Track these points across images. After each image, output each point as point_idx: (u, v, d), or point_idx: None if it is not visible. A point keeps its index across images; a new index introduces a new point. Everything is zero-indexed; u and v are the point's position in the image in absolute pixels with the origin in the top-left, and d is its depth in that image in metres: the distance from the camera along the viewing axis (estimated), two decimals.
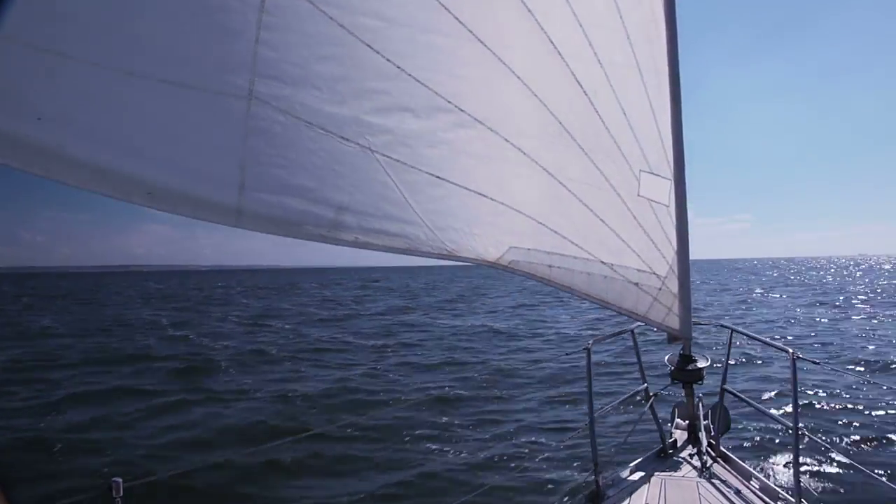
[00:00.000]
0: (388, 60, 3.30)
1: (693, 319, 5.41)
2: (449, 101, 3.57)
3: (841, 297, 45.28)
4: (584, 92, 4.31)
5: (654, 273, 5.05)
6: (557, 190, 4.31)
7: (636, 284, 4.97)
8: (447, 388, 14.81)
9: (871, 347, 21.03)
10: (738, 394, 5.80)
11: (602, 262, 4.72)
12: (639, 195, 4.84)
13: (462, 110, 3.63)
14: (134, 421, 12.27)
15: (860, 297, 45.74)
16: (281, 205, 3.05)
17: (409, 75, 3.39)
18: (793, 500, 4.38)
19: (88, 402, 13.98)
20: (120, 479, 2.46)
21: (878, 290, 52.13)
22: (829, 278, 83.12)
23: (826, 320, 30.48)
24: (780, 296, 50.06)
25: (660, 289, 5.11)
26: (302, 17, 3.01)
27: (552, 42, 4.02)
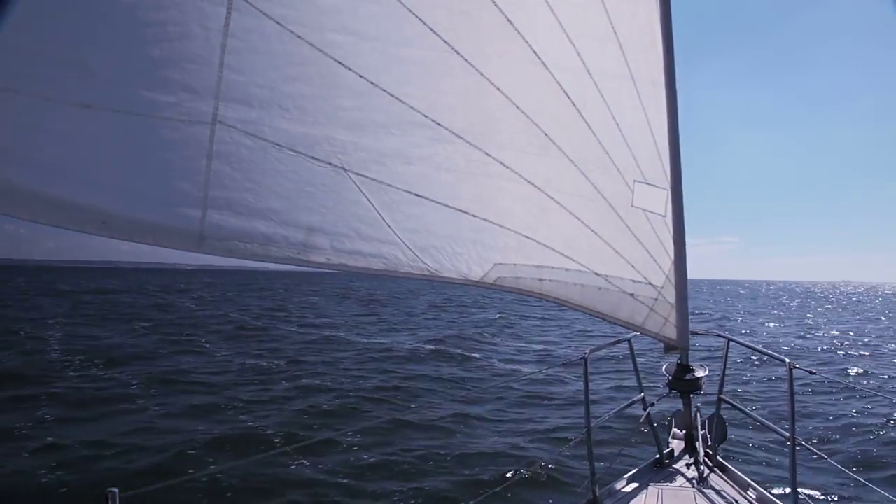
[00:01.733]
0: (359, 76, 3.23)
1: (690, 329, 5.34)
2: (425, 116, 3.48)
3: None
4: (572, 102, 4.19)
5: (650, 283, 4.96)
6: (545, 202, 4.20)
7: (631, 295, 4.88)
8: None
9: None
10: (735, 403, 5.75)
11: (596, 274, 4.62)
12: (633, 206, 4.73)
13: (439, 125, 3.53)
14: None
15: None
16: (247, 228, 3.00)
17: (383, 90, 3.31)
18: None
19: None
20: (116, 490, 2.39)
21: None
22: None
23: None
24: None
25: (656, 299, 5.03)
26: (269, 38, 2.97)
27: (534, 52, 3.90)
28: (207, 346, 24.29)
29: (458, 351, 23.07)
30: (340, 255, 3.26)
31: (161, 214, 2.78)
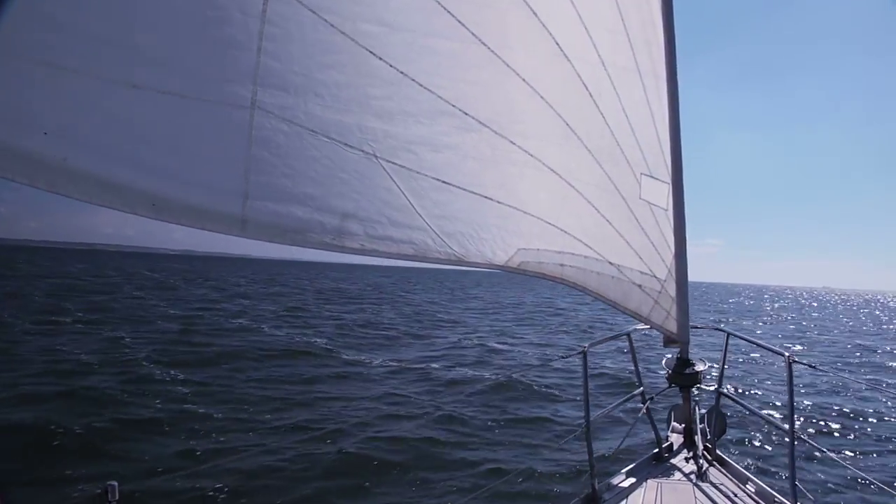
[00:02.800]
0: (390, 66, 3.28)
1: (690, 323, 5.40)
2: (453, 105, 3.54)
3: None
4: (590, 94, 4.29)
5: (655, 276, 5.05)
6: (566, 190, 4.29)
7: (639, 286, 4.97)
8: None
9: None
10: (734, 397, 5.80)
11: (610, 263, 4.71)
12: (640, 198, 4.83)
13: (466, 114, 3.60)
14: None
15: None
16: (286, 213, 3.03)
17: (412, 80, 3.37)
18: (788, 502, 4.36)
19: None
20: (115, 483, 2.42)
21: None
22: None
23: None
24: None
25: (660, 292, 5.11)
26: (304, 26, 3.00)
27: (557, 43, 4.00)
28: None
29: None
30: (373, 241, 3.31)
31: (206, 198, 2.80)
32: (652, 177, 4.88)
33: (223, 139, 2.84)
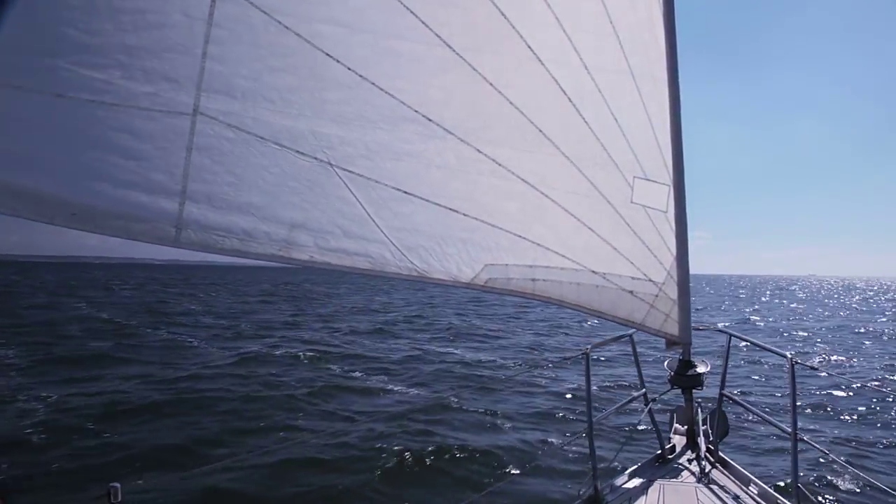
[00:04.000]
0: (348, 69, 3.15)
1: (692, 325, 5.31)
2: (416, 111, 3.39)
3: None
4: (569, 98, 4.11)
5: (651, 280, 4.91)
6: (538, 200, 4.12)
7: (630, 292, 4.82)
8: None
9: None
10: (737, 399, 5.73)
11: (593, 272, 4.56)
12: (632, 202, 4.67)
13: (430, 120, 3.45)
14: None
15: None
16: (227, 223, 2.94)
17: (372, 84, 3.24)
18: None
19: None
20: (118, 485, 2.37)
21: None
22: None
23: None
24: None
25: (656, 295, 4.98)
26: (254, 28, 2.90)
27: (529, 47, 3.82)
28: None
29: None
30: (324, 253, 3.20)
31: (136, 207, 2.71)
32: (648, 179, 4.71)
33: (158, 146, 2.77)
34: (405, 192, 3.42)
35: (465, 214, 3.72)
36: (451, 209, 3.64)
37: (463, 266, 3.76)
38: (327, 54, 3.07)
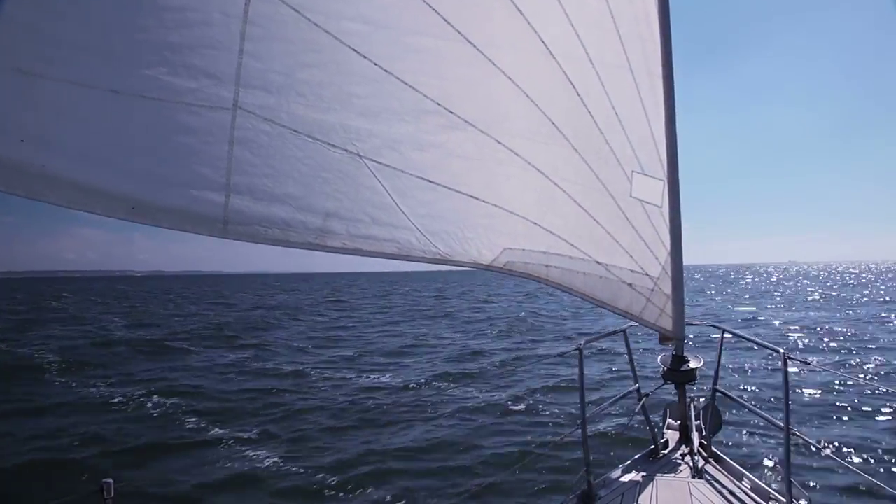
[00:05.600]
0: (374, 64, 3.28)
1: (685, 320, 5.38)
2: (438, 104, 3.53)
3: None
4: (577, 92, 4.26)
5: (647, 274, 5.01)
6: (552, 190, 4.27)
7: (630, 285, 4.93)
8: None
9: None
10: (730, 394, 5.79)
11: (597, 263, 4.68)
12: (631, 196, 4.79)
13: (451, 112, 3.59)
14: None
15: None
16: (268, 214, 3.04)
17: (397, 78, 3.37)
18: (784, 499, 4.35)
19: None
20: (111, 481, 2.44)
21: None
22: None
23: None
24: None
25: (652, 290, 5.07)
26: (286, 26, 3.01)
27: (543, 42, 3.97)
28: None
29: None
30: (356, 240, 3.32)
31: (187, 200, 2.81)
32: (645, 174, 4.83)
33: (204, 141, 2.85)
34: (429, 181, 3.56)
35: (484, 201, 3.86)
36: (471, 196, 3.79)
37: (483, 249, 3.91)
38: (354, 50, 3.19)
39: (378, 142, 3.34)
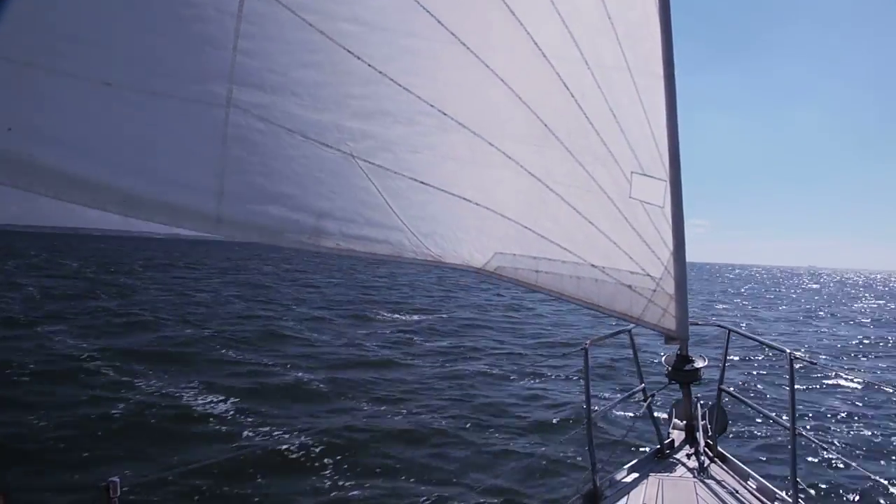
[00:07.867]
0: (368, 65, 3.30)
1: (690, 320, 5.38)
2: (431, 105, 3.56)
3: None
4: (571, 94, 4.27)
5: (648, 275, 5.00)
6: (544, 194, 4.28)
7: (629, 287, 4.92)
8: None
9: None
10: (736, 394, 5.78)
11: (592, 266, 4.68)
12: (630, 197, 4.78)
13: (445, 114, 3.62)
14: None
15: None
16: (261, 212, 3.07)
17: (391, 80, 3.40)
18: (790, 500, 4.36)
19: None
20: (118, 479, 2.46)
21: None
22: None
23: None
24: None
25: (654, 290, 5.06)
26: (281, 25, 3.03)
27: (536, 44, 3.99)
28: None
29: None
30: (349, 240, 3.35)
31: (179, 196, 2.84)
32: (645, 175, 4.82)
33: (198, 137, 2.88)
34: (422, 183, 3.59)
35: (476, 204, 3.89)
36: (464, 198, 3.82)
37: (475, 252, 3.94)
38: (349, 51, 3.22)
39: (372, 143, 3.37)
